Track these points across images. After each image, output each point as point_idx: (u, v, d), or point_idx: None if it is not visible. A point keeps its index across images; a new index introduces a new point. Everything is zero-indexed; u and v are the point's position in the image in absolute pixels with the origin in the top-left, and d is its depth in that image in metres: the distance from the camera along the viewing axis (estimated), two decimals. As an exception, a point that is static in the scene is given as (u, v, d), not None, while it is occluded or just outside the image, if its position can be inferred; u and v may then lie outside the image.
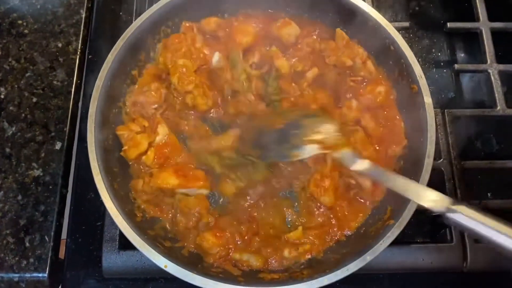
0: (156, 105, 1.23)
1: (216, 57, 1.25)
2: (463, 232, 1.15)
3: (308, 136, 1.05)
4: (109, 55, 1.17)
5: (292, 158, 1.07)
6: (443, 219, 0.87)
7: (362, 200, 1.15)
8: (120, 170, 1.16)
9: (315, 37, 1.31)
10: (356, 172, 1.03)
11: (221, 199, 1.18)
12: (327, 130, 1.07)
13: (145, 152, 1.17)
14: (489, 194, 1.27)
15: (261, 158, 1.13)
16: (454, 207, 0.85)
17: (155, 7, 1.23)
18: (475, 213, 0.83)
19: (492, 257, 1.14)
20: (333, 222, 1.14)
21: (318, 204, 1.15)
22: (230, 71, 1.24)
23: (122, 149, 1.18)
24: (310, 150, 1.05)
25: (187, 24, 1.31)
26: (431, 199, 0.91)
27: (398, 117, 1.22)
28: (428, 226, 1.23)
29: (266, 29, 1.33)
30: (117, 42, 1.19)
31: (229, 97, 1.24)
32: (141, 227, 1.06)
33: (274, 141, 1.10)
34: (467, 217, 0.83)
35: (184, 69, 1.22)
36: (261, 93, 1.21)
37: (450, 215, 0.86)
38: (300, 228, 1.12)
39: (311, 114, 1.14)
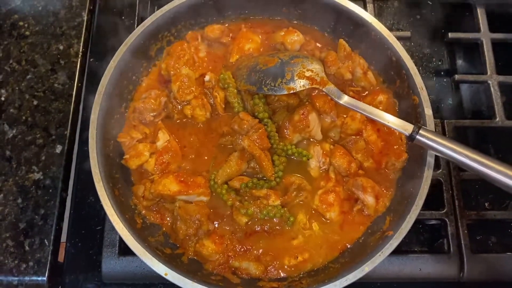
0: (154, 113, 1.23)
1: (207, 78, 1.26)
2: (459, 239, 1.17)
3: (300, 73, 1.18)
4: (111, 62, 1.17)
5: (287, 91, 1.17)
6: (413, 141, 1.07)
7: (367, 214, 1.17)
8: (121, 176, 1.17)
9: (319, 45, 1.32)
10: (342, 104, 1.16)
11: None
12: (315, 69, 1.19)
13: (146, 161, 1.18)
14: (486, 204, 1.28)
15: (259, 91, 1.19)
16: (415, 132, 1.05)
17: (158, 13, 1.23)
18: (433, 136, 1.04)
19: (488, 268, 1.16)
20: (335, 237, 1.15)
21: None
22: (222, 91, 1.25)
23: (124, 157, 1.18)
24: (302, 84, 1.17)
25: (192, 33, 1.32)
26: (398, 124, 1.08)
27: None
28: (425, 235, 1.24)
29: (270, 37, 1.34)
30: (120, 48, 1.19)
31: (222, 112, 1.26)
32: (142, 234, 1.07)
33: (270, 77, 1.19)
34: (427, 139, 1.05)
35: (186, 79, 1.22)
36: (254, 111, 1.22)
37: (417, 137, 1.05)
38: (300, 237, 1.13)
39: (301, 55, 1.25)
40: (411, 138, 1.06)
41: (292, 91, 1.17)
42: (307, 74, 1.18)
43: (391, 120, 1.09)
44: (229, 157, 1.17)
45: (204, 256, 1.10)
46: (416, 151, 1.14)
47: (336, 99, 1.15)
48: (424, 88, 1.15)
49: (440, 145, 1.03)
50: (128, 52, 1.20)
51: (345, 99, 1.15)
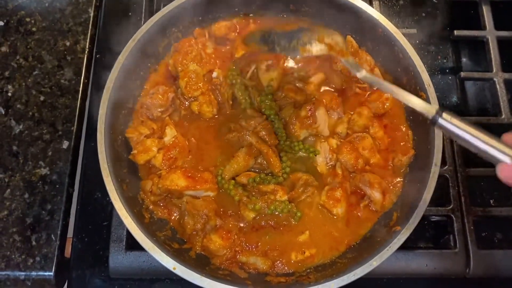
0: (162, 108, 1.23)
1: (215, 74, 1.26)
2: (465, 236, 1.17)
3: (320, 38, 1.07)
4: (120, 57, 1.17)
5: (301, 53, 1.07)
6: (434, 126, 0.93)
7: (373, 210, 1.17)
8: (129, 171, 1.17)
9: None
10: (360, 79, 1.06)
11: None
12: (336, 40, 1.08)
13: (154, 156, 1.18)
14: (491, 201, 1.29)
15: (271, 51, 1.12)
16: (439, 113, 0.91)
17: (166, 9, 1.23)
18: (458, 121, 0.89)
19: (495, 263, 1.16)
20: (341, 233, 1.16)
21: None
22: (230, 87, 1.25)
23: (131, 152, 1.18)
24: (320, 48, 1.06)
25: (199, 30, 1.32)
26: (420, 105, 0.94)
27: (406, 126, 1.24)
28: (432, 231, 1.25)
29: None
30: (128, 44, 1.19)
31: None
32: (150, 229, 1.07)
33: (285, 38, 1.10)
34: (450, 123, 0.89)
35: (193, 75, 1.22)
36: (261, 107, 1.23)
37: (439, 121, 0.91)
38: (307, 232, 1.13)
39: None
40: (433, 121, 0.93)
41: (307, 54, 1.07)
42: (327, 40, 1.07)
43: (412, 100, 0.96)
44: (236, 153, 1.17)
45: (211, 251, 1.10)
46: (423, 148, 1.15)
47: (355, 72, 1.05)
48: (431, 84, 1.15)
49: (464, 131, 0.88)
50: (136, 48, 1.20)
51: (363, 74, 1.04)
